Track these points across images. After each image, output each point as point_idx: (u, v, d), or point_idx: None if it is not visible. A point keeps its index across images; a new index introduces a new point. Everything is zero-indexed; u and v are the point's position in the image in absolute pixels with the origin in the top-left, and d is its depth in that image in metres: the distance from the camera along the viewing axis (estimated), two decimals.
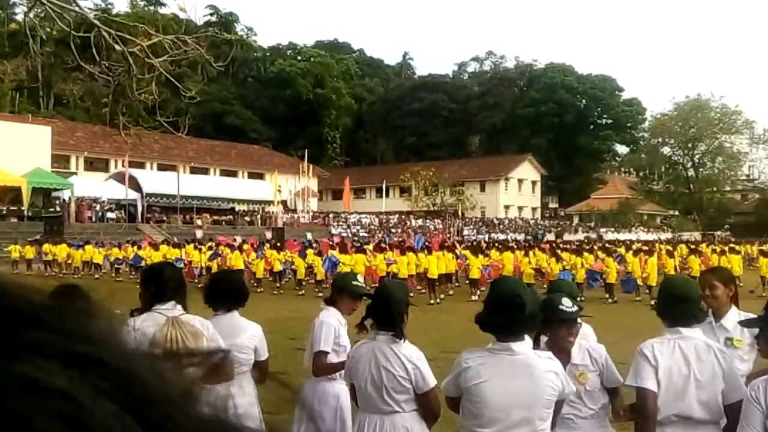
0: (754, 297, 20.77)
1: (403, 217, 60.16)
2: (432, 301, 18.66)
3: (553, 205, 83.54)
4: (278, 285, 22.48)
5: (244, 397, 4.10)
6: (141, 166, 50.97)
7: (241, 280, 4.58)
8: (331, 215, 57.39)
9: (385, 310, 3.55)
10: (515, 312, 2.95)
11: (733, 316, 4.00)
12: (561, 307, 3.38)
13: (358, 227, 53.81)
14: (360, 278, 4.83)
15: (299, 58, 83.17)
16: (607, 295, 19.99)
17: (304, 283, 22.45)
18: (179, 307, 3.71)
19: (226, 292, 4.32)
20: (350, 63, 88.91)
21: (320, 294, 20.61)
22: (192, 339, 3.56)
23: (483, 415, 2.97)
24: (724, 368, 3.25)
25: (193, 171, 54.91)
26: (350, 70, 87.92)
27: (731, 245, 30.50)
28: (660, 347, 3.35)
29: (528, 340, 3.09)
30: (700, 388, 3.25)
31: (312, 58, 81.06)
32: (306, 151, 58.58)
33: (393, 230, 53.47)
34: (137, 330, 3.50)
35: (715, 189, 74.77)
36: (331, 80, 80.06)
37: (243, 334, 4.17)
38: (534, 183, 76.60)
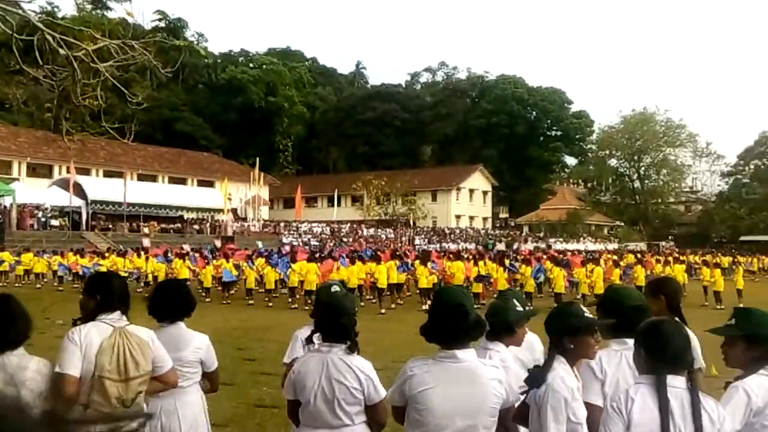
0: (708, 308, 21.38)
1: (354, 226, 60.05)
2: (382, 311, 18.62)
3: (503, 215, 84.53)
4: (227, 294, 22.15)
5: (190, 409, 4.02)
6: (86, 172, 49.81)
7: (188, 289, 4.45)
8: (282, 224, 56.96)
9: (335, 322, 3.48)
10: (459, 320, 2.98)
11: None
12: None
13: (310, 236, 53.51)
14: (350, 279, 4.71)
15: (251, 65, 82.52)
16: (556, 305, 20.22)
17: (253, 292, 22.18)
18: (125, 317, 3.63)
19: (171, 302, 4.17)
20: (303, 71, 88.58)
21: (270, 304, 20.47)
22: (138, 349, 3.51)
23: (428, 423, 2.95)
24: None
25: (141, 178, 53.81)
26: (303, 78, 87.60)
27: (675, 255, 31.31)
28: (607, 359, 3.33)
29: (473, 350, 3.09)
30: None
31: (264, 66, 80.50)
32: (257, 159, 58.00)
33: (345, 239, 53.34)
34: (84, 340, 3.42)
35: (659, 200, 76.82)
36: (284, 88, 79.61)
37: (188, 347, 4.05)
38: (485, 193, 77.39)
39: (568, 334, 3.14)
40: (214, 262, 24.28)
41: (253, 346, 11.68)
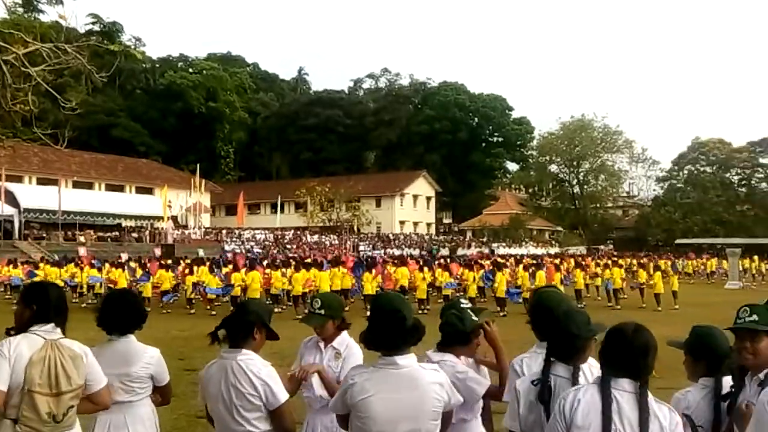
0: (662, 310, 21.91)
1: (298, 232, 59.68)
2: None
3: (447, 220, 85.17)
4: (165, 304, 21.63)
5: (140, 423, 3.90)
6: (19, 179, 48.30)
7: (138, 300, 4.27)
8: (224, 231, 56.19)
9: (237, 323, 3.48)
10: (396, 326, 2.99)
11: None
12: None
13: (253, 243, 52.89)
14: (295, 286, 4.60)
15: (191, 70, 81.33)
16: (498, 309, 20.43)
17: (194, 301, 21.73)
18: (59, 330, 3.48)
19: (121, 313, 3.98)
20: (244, 76, 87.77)
21: (214, 313, 20.08)
22: (71, 363, 3.39)
23: (371, 430, 2.96)
24: (588, 379, 3.19)
25: (77, 185, 52.32)
26: (244, 83, 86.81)
27: (613, 259, 32.02)
28: (529, 361, 3.37)
29: (413, 355, 3.07)
30: None
31: (204, 71, 79.48)
32: (198, 165, 57.26)
33: (288, 246, 52.93)
34: (13, 352, 3.30)
35: (598, 205, 78.72)
36: (224, 93, 78.73)
37: (138, 362, 3.89)
38: (429, 199, 77.87)
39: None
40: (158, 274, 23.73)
41: (194, 356, 11.39)
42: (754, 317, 3.02)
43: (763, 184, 74.75)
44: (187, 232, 52.10)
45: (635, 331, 2.77)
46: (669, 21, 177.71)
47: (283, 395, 3.38)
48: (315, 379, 4.00)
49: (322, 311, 4.10)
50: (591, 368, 3.28)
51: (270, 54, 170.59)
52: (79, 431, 3.60)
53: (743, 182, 74.97)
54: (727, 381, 3.15)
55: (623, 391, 2.69)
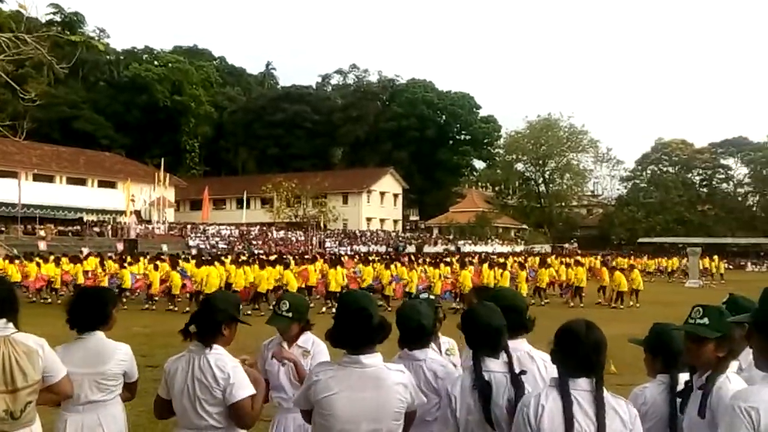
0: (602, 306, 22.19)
1: (264, 228, 59.26)
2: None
3: (414, 217, 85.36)
4: (123, 300, 21.29)
5: (114, 423, 3.85)
6: None
7: (109, 296, 4.16)
8: (188, 226, 55.54)
9: (204, 320, 3.47)
10: (363, 325, 3.00)
11: None
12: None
13: (218, 239, 52.37)
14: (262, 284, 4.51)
15: (156, 63, 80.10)
16: (463, 305, 20.49)
17: (156, 297, 21.43)
18: (11, 325, 3.41)
19: (92, 310, 3.89)
20: (210, 70, 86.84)
21: (175, 309, 19.84)
22: (26, 358, 3.34)
23: (333, 428, 2.96)
24: (543, 377, 3.31)
25: (37, 178, 51.25)
26: (210, 77, 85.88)
27: (577, 257, 32.38)
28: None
29: (379, 354, 3.06)
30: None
31: (170, 64, 78.40)
32: (162, 159, 56.50)
33: (254, 242, 52.53)
34: None
35: (563, 204, 79.57)
36: (190, 87, 77.80)
37: (110, 360, 3.82)
38: (396, 196, 77.94)
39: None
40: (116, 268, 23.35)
41: (156, 353, 11.22)
42: (705, 320, 3.01)
43: (724, 185, 76.43)
44: (150, 227, 51.39)
45: (587, 329, 2.77)
46: (633, 24, 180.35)
47: (244, 391, 3.35)
48: (284, 377, 4.02)
49: (290, 314, 4.08)
50: (527, 355, 3.39)
51: (237, 48, 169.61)
52: (38, 426, 3.54)
53: (704, 183, 76.50)
54: (684, 377, 3.18)
55: (582, 390, 2.69)
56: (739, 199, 74.97)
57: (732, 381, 2.90)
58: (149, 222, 53.52)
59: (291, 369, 4.07)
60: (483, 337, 3.11)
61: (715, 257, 41.74)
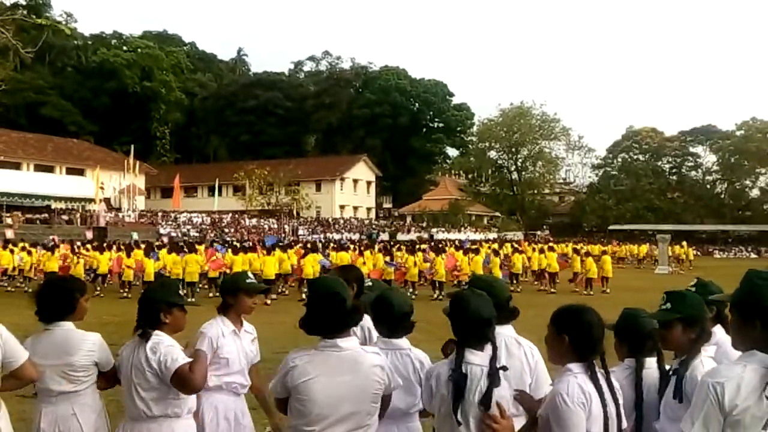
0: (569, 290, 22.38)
1: (236, 216, 58.82)
2: (267, 301, 18.24)
3: (387, 205, 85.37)
4: (98, 288, 21.00)
5: (88, 412, 3.78)
6: None
7: (77, 286, 4.05)
8: (159, 214, 54.91)
9: (143, 312, 3.59)
10: (336, 309, 3.00)
11: None
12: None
13: (189, 227, 51.85)
14: (251, 275, 4.42)
15: (125, 48, 78.81)
16: (436, 293, 20.56)
17: (131, 285, 21.19)
18: None
19: (57, 300, 3.81)
20: (181, 56, 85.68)
21: (129, 296, 19.68)
22: None
23: (311, 413, 2.95)
24: (530, 363, 3.31)
25: (3, 165, 50.12)
26: (181, 63, 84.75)
27: (549, 244, 32.58)
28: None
29: (355, 338, 3.08)
30: (508, 382, 3.21)
31: (139, 49, 77.20)
32: (132, 146, 55.74)
33: (226, 230, 52.13)
34: None
35: (536, 191, 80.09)
36: (160, 73, 76.80)
37: (79, 351, 3.73)
38: (369, 183, 77.83)
39: None
40: (87, 253, 23.00)
41: (126, 342, 11.09)
42: (668, 305, 3.10)
43: (693, 173, 77.51)
44: (120, 214, 50.72)
45: (598, 315, 2.91)
46: (605, 14, 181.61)
47: (178, 361, 3.44)
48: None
49: None
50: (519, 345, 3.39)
51: (208, 33, 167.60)
52: (4, 412, 3.50)
53: (674, 170, 77.51)
54: (651, 362, 3.22)
55: (599, 374, 2.82)
56: (708, 186, 76.08)
57: (705, 364, 2.95)
58: (119, 210, 52.84)
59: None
60: (470, 327, 2.98)
61: (684, 244, 42.31)
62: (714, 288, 3.49)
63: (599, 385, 2.76)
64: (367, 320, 3.78)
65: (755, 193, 74.12)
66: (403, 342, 3.55)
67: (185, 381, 3.44)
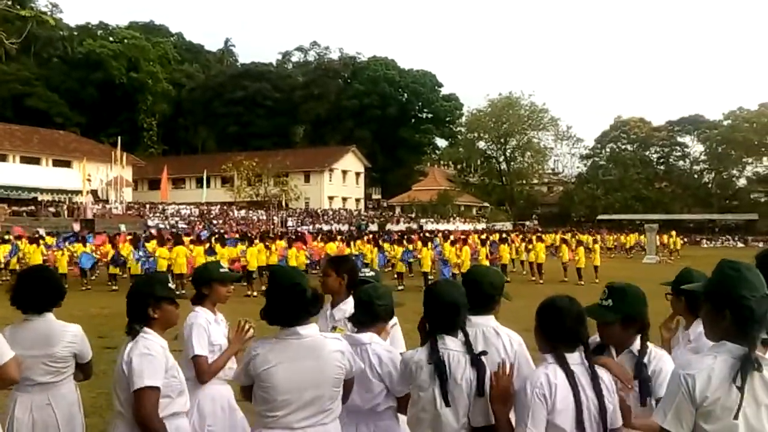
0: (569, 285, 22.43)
1: (225, 208, 58.61)
2: (249, 293, 18.17)
3: (376, 196, 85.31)
4: (86, 281, 20.89)
5: (64, 402, 3.79)
6: None
7: (55, 277, 4.06)
8: (147, 206, 54.65)
9: (131, 307, 3.44)
10: (296, 298, 3.08)
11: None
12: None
13: (177, 218, 51.62)
14: (224, 264, 4.49)
15: (111, 39, 78.15)
16: (424, 285, 20.57)
17: (117, 277, 21.07)
18: None
19: (37, 291, 3.79)
20: (168, 47, 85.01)
21: (116, 288, 19.60)
22: None
23: (275, 399, 3.04)
24: (509, 353, 3.32)
25: None
26: (168, 54, 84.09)
27: (538, 234, 32.65)
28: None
29: (315, 325, 3.16)
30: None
31: (126, 40, 76.55)
32: (119, 138, 55.34)
33: (214, 221, 51.94)
34: None
35: (524, 182, 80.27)
36: (147, 64, 76.19)
37: (60, 342, 3.74)
38: (358, 174, 77.71)
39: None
40: (70, 246, 22.84)
41: (115, 334, 10.99)
42: (609, 302, 3.06)
43: (681, 162, 77.80)
44: (107, 206, 50.45)
45: (570, 303, 2.86)
46: (593, 4, 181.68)
47: (142, 381, 3.18)
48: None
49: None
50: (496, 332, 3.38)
51: (195, 24, 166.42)
52: None
53: (662, 160, 77.76)
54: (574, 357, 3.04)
55: (577, 364, 2.77)
56: (695, 176, 76.38)
57: (664, 359, 3.02)
58: (106, 202, 52.53)
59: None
60: (440, 313, 3.11)
61: (672, 233, 42.48)
62: (699, 276, 3.44)
63: (572, 376, 2.70)
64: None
65: (742, 182, 74.49)
66: (365, 336, 3.53)
67: (137, 409, 3.21)
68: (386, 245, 25.11)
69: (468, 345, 3.03)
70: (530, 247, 25.45)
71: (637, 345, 3.07)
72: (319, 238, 28.93)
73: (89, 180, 49.09)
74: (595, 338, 3.21)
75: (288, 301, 3.08)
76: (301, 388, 3.04)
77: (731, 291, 2.35)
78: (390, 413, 3.53)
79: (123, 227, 38.95)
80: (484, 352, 3.03)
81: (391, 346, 3.66)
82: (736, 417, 2.23)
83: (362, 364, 3.34)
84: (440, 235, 34.65)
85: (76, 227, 37.76)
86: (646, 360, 3.00)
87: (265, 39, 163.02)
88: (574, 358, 2.77)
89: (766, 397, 2.26)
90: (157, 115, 79.70)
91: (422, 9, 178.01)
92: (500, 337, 3.37)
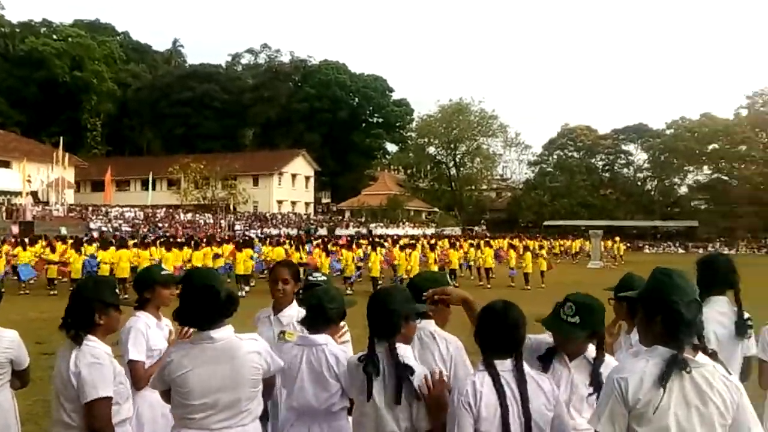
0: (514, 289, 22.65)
1: (171, 211, 57.57)
2: None
3: (326, 200, 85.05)
4: (24, 284, 20.22)
5: (1, 412, 3.74)
6: None
7: None
8: (90, 208, 53.27)
9: (76, 312, 3.28)
10: (210, 301, 3.06)
11: (292, 311, 4.28)
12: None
13: (121, 221, 50.46)
14: (165, 267, 4.38)
15: (55, 36, 76.17)
16: (373, 290, 20.54)
17: (56, 282, 20.45)
18: None
19: None
20: (113, 46, 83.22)
21: (54, 293, 19.05)
22: None
23: (191, 404, 3.05)
24: (444, 357, 3.34)
25: None
26: (114, 53, 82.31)
27: (486, 239, 32.96)
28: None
29: (230, 327, 3.13)
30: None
31: (70, 38, 74.67)
32: (61, 138, 53.88)
33: (160, 225, 50.95)
34: None
35: (473, 187, 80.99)
36: (92, 63, 74.49)
37: None
38: (308, 178, 77.37)
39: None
40: (9, 250, 22.11)
41: (54, 339, 10.70)
42: (576, 319, 3.07)
43: (625, 170, 79.55)
44: (48, 208, 49.02)
45: (505, 308, 2.84)
46: (541, 13, 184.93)
47: (95, 392, 3.10)
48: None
49: None
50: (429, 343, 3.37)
51: (142, 23, 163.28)
52: None
53: (607, 168, 79.37)
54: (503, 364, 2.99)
55: (508, 371, 2.74)
56: (639, 183, 78.17)
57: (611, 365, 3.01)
58: (47, 203, 51.07)
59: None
60: (380, 319, 3.10)
61: (616, 239, 43.42)
62: (640, 282, 3.40)
63: (499, 383, 2.69)
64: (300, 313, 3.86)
65: (683, 190, 76.55)
66: (320, 338, 3.54)
67: (91, 419, 3.12)
68: (335, 249, 24.98)
69: (393, 352, 3.01)
70: (478, 252, 25.66)
71: (589, 351, 3.11)
72: (267, 242, 28.65)
73: (29, 181, 47.79)
74: (541, 340, 3.25)
75: (201, 304, 3.06)
76: (218, 392, 3.04)
77: (663, 296, 2.43)
78: (344, 414, 3.53)
79: (64, 230, 37.91)
80: (408, 367, 2.98)
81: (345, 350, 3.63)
82: (654, 412, 2.29)
83: (281, 362, 3.35)
84: (390, 240, 34.75)
85: (15, 230, 36.63)
86: (602, 369, 3.03)
87: (215, 40, 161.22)
88: (506, 365, 2.75)
89: (696, 398, 2.33)
90: (102, 115, 77.95)
91: (374, 14, 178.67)
92: (436, 341, 3.38)
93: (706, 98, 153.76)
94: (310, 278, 4.40)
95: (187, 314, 3.12)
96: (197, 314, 3.10)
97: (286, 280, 4.33)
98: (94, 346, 3.21)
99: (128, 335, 3.95)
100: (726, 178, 71.20)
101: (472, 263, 26.38)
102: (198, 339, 3.11)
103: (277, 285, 4.34)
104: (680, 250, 59.93)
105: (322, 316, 3.57)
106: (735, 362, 3.68)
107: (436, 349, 3.34)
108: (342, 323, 3.79)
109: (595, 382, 3.01)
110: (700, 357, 2.39)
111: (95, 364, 3.14)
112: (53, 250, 21.26)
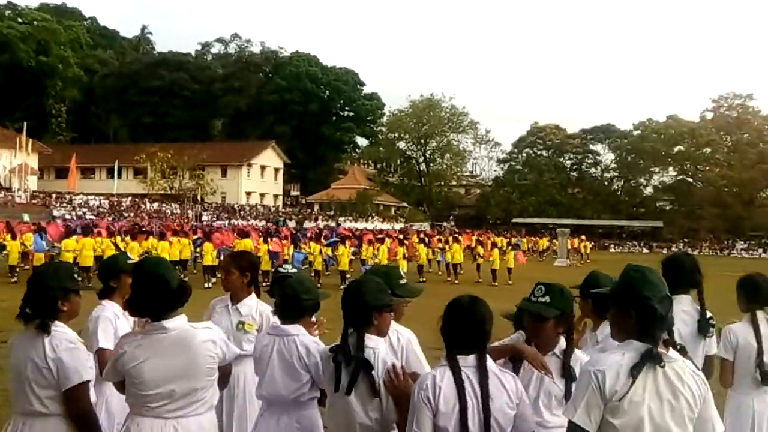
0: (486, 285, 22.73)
1: (137, 200, 56.79)
2: None
3: (295, 192, 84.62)
4: None
5: None
6: None
7: None
8: (53, 195, 52.34)
9: (37, 299, 3.20)
10: (161, 291, 3.04)
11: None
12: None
13: (85, 209, 49.66)
14: (132, 255, 4.29)
15: (20, 20, 74.33)
16: (341, 283, 20.47)
17: (18, 269, 20.03)
18: None
19: None
20: (80, 31, 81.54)
21: (14, 280, 18.61)
22: None
23: (147, 395, 3.03)
24: (396, 349, 3.43)
25: None
26: (80, 38, 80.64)
27: (455, 235, 33.09)
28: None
29: (183, 316, 3.12)
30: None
31: (35, 22, 73.08)
32: (25, 123, 52.85)
33: (125, 214, 50.24)
34: None
35: (443, 183, 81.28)
36: (58, 48, 72.88)
37: None
38: (277, 170, 76.90)
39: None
40: None
41: (13, 328, 10.39)
42: (546, 299, 3.13)
43: (592, 170, 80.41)
44: (10, 195, 48.08)
45: (471, 303, 2.83)
46: (513, 12, 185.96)
47: (78, 376, 3.10)
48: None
49: None
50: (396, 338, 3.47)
51: (110, 8, 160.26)
52: None
53: (575, 167, 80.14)
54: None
55: (471, 366, 2.73)
56: (606, 183, 79.07)
57: (584, 359, 3.08)
58: (9, 190, 50.11)
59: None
60: (349, 309, 3.15)
61: (583, 238, 43.89)
62: (606, 280, 3.56)
63: (460, 378, 2.68)
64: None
65: (649, 190, 77.60)
66: (293, 328, 3.56)
67: (73, 404, 3.11)
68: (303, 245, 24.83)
69: (359, 345, 3.07)
70: (447, 247, 25.73)
71: (560, 346, 3.17)
72: (234, 234, 28.36)
73: None
74: (514, 338, 3.30)
75: (152, 293, 3.05)
76: (171, 382, 3.02)
77: (636, 292, 2.48)
78: (313, 404, 3.58)
79: (26, 217, 37.19)
80: (367, 362, 3.03)
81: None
82: (629, 404, 2.34)
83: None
84: (359, 233, 34.69)
85: None
86: (572, 362, 3.10)
87: (184, 28, 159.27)
88: (469, 361, 2.74)
89: (668, 392, 2.38)
90: (67, 101, 76.46)
91: (346, 7, 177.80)
92: (387, 333, 3.40)
93: (672, 101, 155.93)
94: (280, 270, 4.44)
95: (139, 304, 3.11)
96: (149, 304, 3.07)
97: (229, 271, 4.41)
98: (65, 331, 3.19)
99: (96, 324, 3.93)
100: (690, 179, 72.40)
101: (440, 259, 26.43)
102: (151, 329, 3.08)
103: (225, 276, 4.47)
104: (645, 250, 60.78)
105: (296, 306, 3.59)
106: (697, 360, 3.75)
107: (387, 340, 3.36)
108: (322, 318, 3.86)
109: (567, 374, 3.06)
110: (672, 352, 2.46)
111: (74, 349, 3.15)
112: (13, 237, 20.80)
